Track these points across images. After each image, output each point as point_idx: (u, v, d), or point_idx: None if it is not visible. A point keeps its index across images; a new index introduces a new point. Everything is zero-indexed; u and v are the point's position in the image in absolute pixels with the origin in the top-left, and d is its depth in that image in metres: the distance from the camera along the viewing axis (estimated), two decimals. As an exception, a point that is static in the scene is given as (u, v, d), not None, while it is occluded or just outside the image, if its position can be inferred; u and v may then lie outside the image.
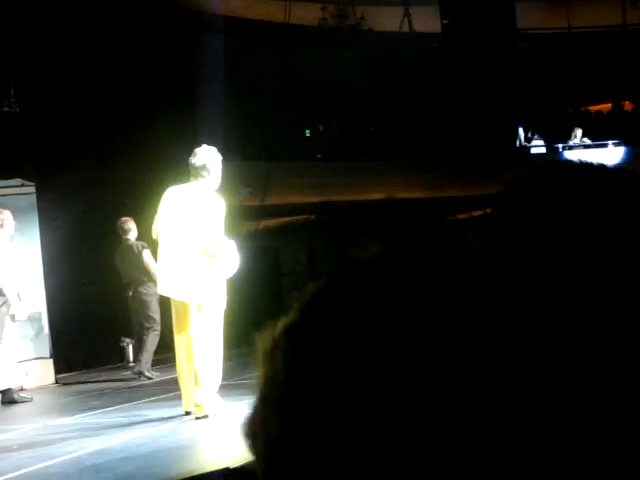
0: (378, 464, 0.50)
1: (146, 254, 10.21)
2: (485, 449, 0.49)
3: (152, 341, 10.36)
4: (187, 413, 6.80)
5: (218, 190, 6.75)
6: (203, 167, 6.63)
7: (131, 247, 10.39)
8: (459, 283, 0.54)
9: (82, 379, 11.22)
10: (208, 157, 6.69)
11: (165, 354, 11.09)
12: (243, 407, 6.36)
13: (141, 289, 10.37)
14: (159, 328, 10.30)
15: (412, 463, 0.50)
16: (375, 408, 0.50)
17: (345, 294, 0.55)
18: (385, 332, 0.51)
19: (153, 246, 8.17)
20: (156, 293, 10.25)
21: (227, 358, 6.86)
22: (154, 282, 10.30)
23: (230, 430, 6.43)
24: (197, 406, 6.63)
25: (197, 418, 6.63)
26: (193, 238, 6.51)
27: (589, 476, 0.51)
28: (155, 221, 6.83)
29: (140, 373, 10.25)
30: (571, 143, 17.17)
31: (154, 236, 6.92)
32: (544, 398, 0.50)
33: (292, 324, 0.55)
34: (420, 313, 0.52)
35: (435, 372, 0.51)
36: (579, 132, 17.35)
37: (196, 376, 6.58)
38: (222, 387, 6.85)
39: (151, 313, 10.33)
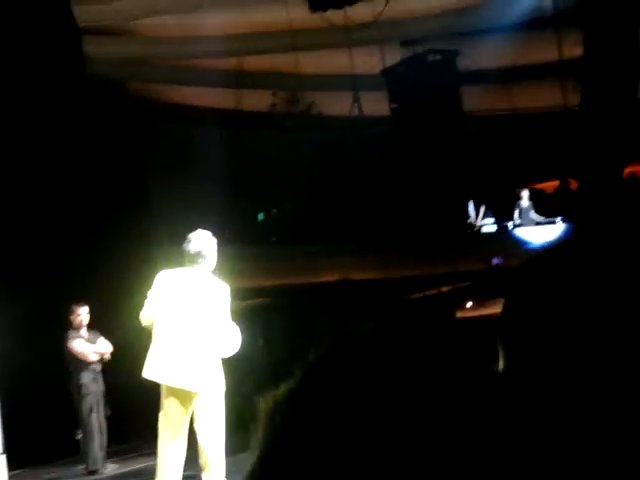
0: None
1: (75, 342, 9.90)
2: None
3: (91, 438, 9.87)
4: None
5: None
6: (199, 253, 6.54)
7: (66, 335, 10.05)
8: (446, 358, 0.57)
9: (36, 475, 10.90)
10: (204, 242, 6.62)
11: (122, 445, 10.85)
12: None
13: (70, 381, 9.96)
14: (94, 423, 9.87)
15: None
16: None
17: (342, 364, 0.59)
18: (374, 403, 0.55)
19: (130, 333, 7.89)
20: (84, 385, 9.80)
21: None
22: (85, 373, 9.87)
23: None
24: None
25: None
26: (202, 324, 6.38)
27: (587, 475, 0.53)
28: (146, 306, 6.54)
29: (92, 472, 9.88)
30: (516, 217, 17.45)
31: (144, 323, 6.59)
32: None
33: (294, 389, 0.60)
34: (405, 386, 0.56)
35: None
36: (525, 193, 17.63)
37: (212, 465, 6.43)
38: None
39: (81, 408, 9.85)
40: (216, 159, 16.30)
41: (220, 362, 6.51)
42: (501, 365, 0.62)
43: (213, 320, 6.38)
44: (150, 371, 6.39)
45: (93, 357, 9.89)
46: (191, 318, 6.37)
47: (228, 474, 6.55)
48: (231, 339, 6.47)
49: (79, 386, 9.83)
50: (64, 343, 9.97)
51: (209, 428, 6.42)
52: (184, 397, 6.37)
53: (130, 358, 8.03)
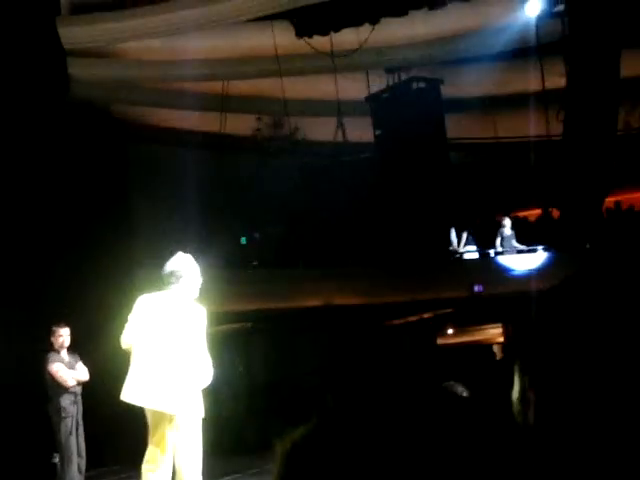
0: None
1: (54, 367, 9.72)
2: None
3: (69, 462, 9.68)
4: None
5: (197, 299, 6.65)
6: (172, 273, 6.54)
7: (46, 358, 9.95)
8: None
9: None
10: (177, 264, 6.60)
11: (101, 468, 10.72)
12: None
13: (49, 405, 9.88)
14: (72, 447, 9.75)
15: None
16: None
17: (349, 417, 0.61)
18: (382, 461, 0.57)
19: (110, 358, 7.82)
20: (63, 408, 9.73)
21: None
22: (64, 397, 9.80)
23: None
24: None
25: None
26: (180, 347, 6.36)
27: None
28: (126, 330, 6.57)
29: None
30: (498, 244, 17.51)
31: (124, 346, 6.60)
32: None
33: (311, 432, 0.63)
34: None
35: None
36: (507, 221, 17.72)
37: None
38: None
39: (60, 432, 9.67)
40: (200, 182, 16.29)
41: (199, 387, 6.46)
42: (516, 393, 0.62)
43: (191, 343, 6.35)
44: (128, 394, 6.37)
45: (72, 382, 9.81)
46: (169, 341, 6.35)
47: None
48: (205, 369, 6.43)
49: (58, 409, 9.72)
50: (44, 366, 9.86)
51: (187, 453, 6.36)
52: (163, 420, 6.33)
53: (109, 380, 7.96)
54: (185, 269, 6.57)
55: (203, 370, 6.42)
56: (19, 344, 11.57)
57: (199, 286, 6.64)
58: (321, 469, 0.56)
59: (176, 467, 6.41)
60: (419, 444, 0.56)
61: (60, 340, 9.95)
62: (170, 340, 6.37)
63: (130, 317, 6.49)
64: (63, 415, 9.71)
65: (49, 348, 10.00)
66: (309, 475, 0.56)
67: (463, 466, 0.56)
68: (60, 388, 9.78)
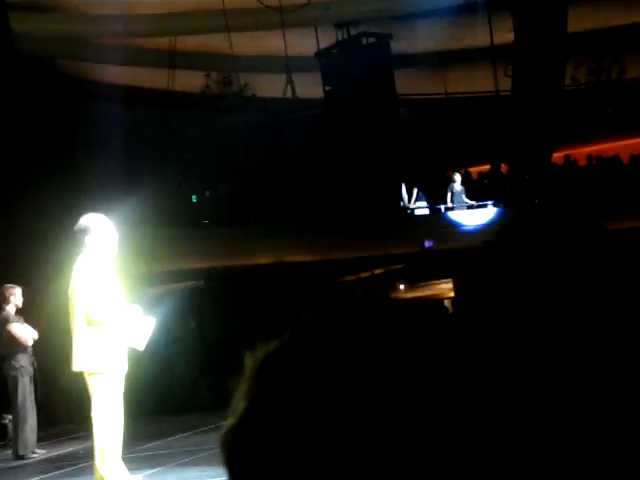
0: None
1: (14, 326, 9.82)
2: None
3: (24, 421, 9.86)
4: None
5: (116, 257, 6.63)
6: (81, 232, 6.56)
7: (3, 317, 9.97)
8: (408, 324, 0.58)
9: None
10: (86, 222, 6.61)
11: (51, 429, 10.69)
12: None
13: (6, 364, 9.91)
14: (29, 406, 9.80)
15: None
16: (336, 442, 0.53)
17: (323, 330, 0.59)
18: (350, 381, 0.55)
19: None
20: (22, 367, 9.81)
21: (128, 427, 6.66)
22: (22, 356, 9.87)
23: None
24: (102, 479, 6.42)
25: None
26: (78, 307, 6.40)
27: (588, 475, 0.53)
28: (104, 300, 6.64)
29: (20, 457, 9.74)
30: (449, 200, 17.65)
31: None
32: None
33: (285, 344, 0.60)
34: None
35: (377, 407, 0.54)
36: (457, 177, 17.84)
37: (98, 450, 6.38)
38: (128, 459, 6.62)
39: (17, 390, 9.79)
40: (149, 140, 16.12)
41: (115, 345, 6.42)
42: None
43: (86, 300, 6.38)
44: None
45: (31, 341, 9.86)
46: (72, 303, 6.44)
47: (163, 456, 6.49)
48: (120, 322, 6.43)
49: (17, 367, 9.74)
50: (2, 326, 9.82)
51: (94, 412, 6.39)
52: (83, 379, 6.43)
53: (56, 341, 7.93)
54: (94, 227, 6.56)
55: (119, 325, 6.42)
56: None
57: (114, 244, 6.64)
58: (296, 383, 0.55)
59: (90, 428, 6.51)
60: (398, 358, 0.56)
61: (17, 300, 9.96)
62: (74, 301, 6.44)
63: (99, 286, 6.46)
64: (21, 374, 9.72)
65: (2, 307, 9.96)
66: (282, 390, 0.55)
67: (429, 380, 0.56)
68: (19, 347, 9.79)
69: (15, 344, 9.80)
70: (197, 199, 17.91)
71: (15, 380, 9.77)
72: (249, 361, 0.60)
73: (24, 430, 9.78)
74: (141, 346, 6.55)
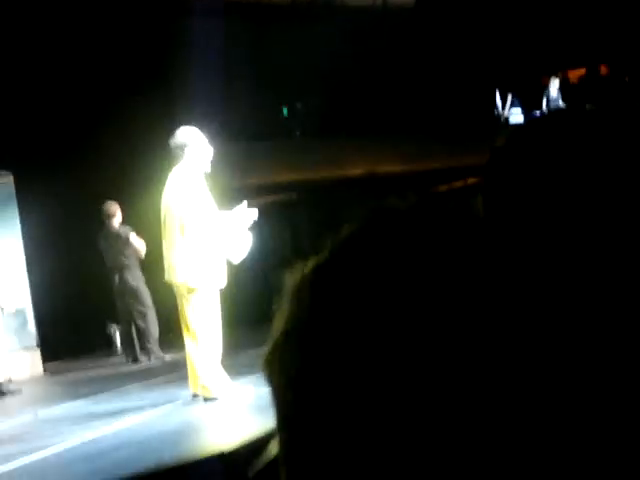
0: (390, 403, 0.51)
1: (133, 238, 10.24)
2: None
3: (152, 325, 10.33)
4: (194, 395, 6.77)
5: (210, 171, 6.70)
6: (178, 147, 6.61)
7: (115, 232, 10.35)
8: (466, 242, 0.55)
9: (70, 368, 11.19)
10: (183, 137, 6.64)
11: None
12: (246, 388, 6.36)
13: (127, 275, 10.32)
14: (153, 312, 10.30)
15: (423, 401, 0.51)
16: (390, 347, 0.51)
17: (374, 241, 0.57)
18: (404, 280, 0.53)
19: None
20: (142, 277, 10.28)
21: (226, 337, 6.84)
22: (140, 266, 10.35)
23: (225, 413, 6.44)
24: (203, 388, 6.63)
25: (205, 400, 6.62)
26: (174, 220, 6.49)
27: (587, 475, 0.51)
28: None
29: (159, 358, 10.18)
30: (544, 106, 17.15)
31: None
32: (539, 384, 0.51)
33: (322, 264, 0.57)
34: (435, 266, 0.54)
35: (439, 318, 0.52)
36: (554, 81, 17.28)
37: (196, 359, 6.58)
38: (225, 367, 6.80)
39: (142, 298, 10.30)
40: (238, 53, 16.05)
41: (213, 258, 6.50)
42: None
43: (183, 213, 6.46)
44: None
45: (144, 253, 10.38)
46: (167, 216, 6.57)
47: (247, 367, 6.57)
48: (220, 235, 6.51)
49: (138, 277, 10.23)
50: (125, 237, 10.24)
51: (190, 324, 6.55)
52: (177, 291, 6.59)
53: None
54: (191, 142, 6.60)
55: (220, 238, 6.53)
56: (70, 218, 11.78)
57: (208, 158, 6.67)
58: (337, 302, 0.53)
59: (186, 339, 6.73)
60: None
61: (121, 215, 10.42)
62: (170, 215, 6.57)
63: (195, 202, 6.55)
64: (143, 282, 10.20)
65: (106, 224, 10.34)
66: (324, 311, 0.53)
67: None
68: (138, 258, 10.26)
69: (135, 254, 10.24)
70: (287, 112, 17.87)
71: (139, 289, 10.22)
72: (288, 281, 0.58)
73: (150, 336, 10.26)
74: (237, 260, 6.65)
